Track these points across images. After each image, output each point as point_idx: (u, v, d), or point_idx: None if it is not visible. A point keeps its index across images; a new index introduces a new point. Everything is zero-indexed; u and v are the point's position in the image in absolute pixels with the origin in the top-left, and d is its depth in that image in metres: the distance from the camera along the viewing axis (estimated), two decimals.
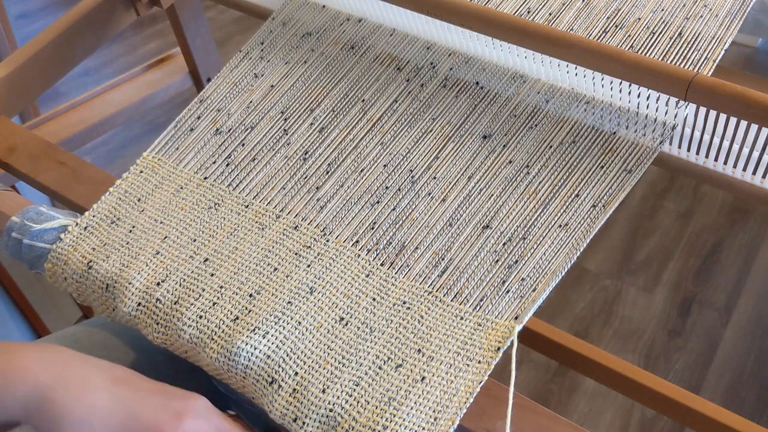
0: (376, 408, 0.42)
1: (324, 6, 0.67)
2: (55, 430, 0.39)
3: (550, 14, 0.58)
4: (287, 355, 0.45)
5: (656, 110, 0.54)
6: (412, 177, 0.54)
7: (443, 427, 0.41)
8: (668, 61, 0.54)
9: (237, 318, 0.47)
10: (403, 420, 0.42)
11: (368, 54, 0.63)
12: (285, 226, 0.53)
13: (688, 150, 0.57)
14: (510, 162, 0.54)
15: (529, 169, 0.53)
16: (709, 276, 1.31)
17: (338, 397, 0.43)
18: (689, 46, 0.54)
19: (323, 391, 0.43)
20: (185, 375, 0.61)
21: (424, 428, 0.41)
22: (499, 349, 0.44)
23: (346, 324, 0.46)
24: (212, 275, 0.50)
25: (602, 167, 0.53)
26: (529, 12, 0.58)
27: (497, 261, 0.48)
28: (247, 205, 0.54)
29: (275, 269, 0.50)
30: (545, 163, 0.54)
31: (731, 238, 1.37)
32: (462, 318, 0.46)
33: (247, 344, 0.45)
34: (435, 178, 0.54)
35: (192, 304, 0.48)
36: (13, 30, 1.52)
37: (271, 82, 0.62)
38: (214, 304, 0.48)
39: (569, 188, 0.52)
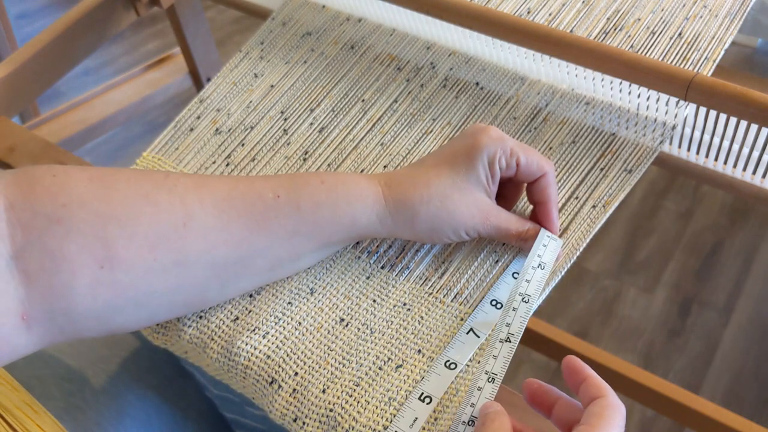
0: (377, 408, 0.42)
1: (324, 6, 0.67)
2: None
3: (550, 14, 0.58)
4: (287, 356, 0.45)
5: (656, 110, 0.54)
6: None
7: (443, 427, 0.41)
8: (668, 61, 0.54)
9: (237, 318, 0.47)
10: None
11: (368, 54, 0.63)
12: None
13: (688, 150, 0.57)
14: None
15: None
16: (709, 276, 1.31)
17: (338, 397, 0.43)
18: (689, 46, 0.54)
19: (323, 391, 0.43)
20: (186, 376, 0.61)
21: (424, 428, 0.41)
22: None
23: (347, 325, 0.46)
24: None
25: (602, 167, 0.53)
26: (529, 12, 0.59)
27: (497, 261, 0.48)
28: None
29: None
30: None
31: (731, 238, 1.37)
32: (462, 319, 0.46)
33: (247, 344, 0.45)
34: None
35: None
36: (13, 30, 1.52)
37: (271, 82, 0.62)
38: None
39: (569, 188, 0.52)
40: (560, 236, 0.49)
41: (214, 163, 0.57)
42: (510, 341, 0.42)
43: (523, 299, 0.44)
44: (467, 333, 0.45)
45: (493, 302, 0.46)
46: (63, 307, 0.38)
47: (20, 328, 0.38)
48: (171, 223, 0.41)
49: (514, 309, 0.44)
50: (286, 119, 0.60)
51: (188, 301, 0.44)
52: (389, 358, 0.45)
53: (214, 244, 0.42)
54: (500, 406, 0.38)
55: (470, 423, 0.39)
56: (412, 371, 0.44)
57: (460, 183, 0.45)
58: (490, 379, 0.41)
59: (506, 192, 0.49)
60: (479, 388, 0.40)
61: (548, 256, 0.47)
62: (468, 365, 0.43)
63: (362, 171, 0.55)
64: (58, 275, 0.38)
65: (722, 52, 0.54)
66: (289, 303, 0.47)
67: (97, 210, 0.39)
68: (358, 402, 0.43)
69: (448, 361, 0.43)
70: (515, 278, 0.47)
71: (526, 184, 0.49)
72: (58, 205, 0.39)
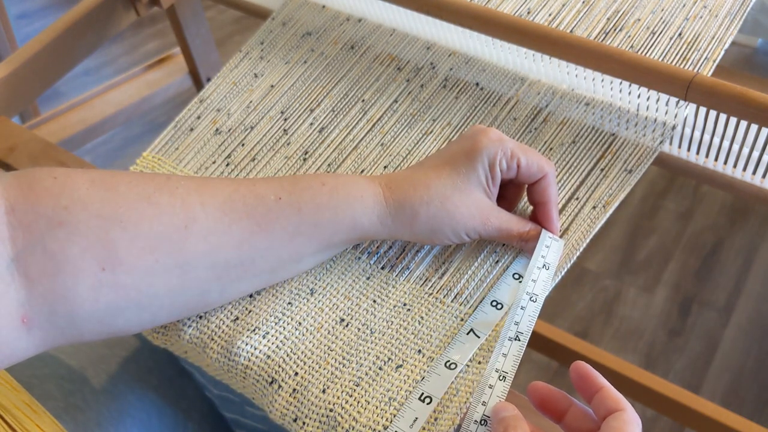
0: (377, 408, 0.42)
1: (324, 6, 0.67)
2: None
3: (550, 15, 0.58)
4: (287, 356, 0.45)
5: (656, 110, 0.54)
6: None
7: (443, 427, 0.41)
8: (668, 61, 0.54)
9: (237, 318, 0.47)
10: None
11: (368, 54, 0.63)
12: None
13: (688, 150, 0.57)
14: None
15: None
16: (709, 276, 1.31)
17: (338, 397, 0.43)
18: (689, 46, 0.54)
19: (323, 391, 0.43)
20: (187, 376, 0.61)
21: (424, 428, 0.41)
22: None
23: (347, 325, 0.46)
24: None
25: (602, 167, 0.53)
26: (529, 12, 0.58)
27: (497, 262, 0.48)
28: None
29: None
30: None
31: (731, 238, 1.37)
32: (462, 319, 0.46)
33: (247, 344, 0.45)
34: None
35: None
36: (13, 30, 1.52)
37: (271, 82, 0.62)
38: None
39: (569, 188, 0.52)
40: (561, 236, 0.49)
41: (214, 163, 0.57)
42: (519, 339, 0.42)
43: (531, 298, 0.45)
44: (467, 333, 0.45)
45: (494, 303, 0.46)
46: (64, 309, 0.39)
47: (20, 331, 0.38)
48: (172, 225, 0.41)
49: (522, 308, 0.44)
50: (286, 119, 0.60)
51: (190, 303, 0.44)
52: (389, 358, 0.45)
53: (216, 246, 0.42)
54: (516, 410, 0.38)
55: (482, 422, 0.39)
56: (412, 371, 0.44)
57: (461, 184, 0.45)
58: (501, 377, 0.41)
59: (507, 193, 0.50)
60: (490, 386, 0.41)
61: (552, 257, 0.47)
62: (468, 365, 0.43)
63: (362, 171, 0.55)
64: (59, 277, 0.38)
65: (722, 52, 0.54)
66: (290, 303, 0.47)
67: (99, 212, 0.39)
68: (358, 402, 0.43)
69: (449, 361, 0.43)
70: (515, 279, 0.47)
71: (526, 185, 0.49)
72: (59, 207, 0.39)
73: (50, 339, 0.39)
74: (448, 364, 0.43)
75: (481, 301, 0.47)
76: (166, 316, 0.44)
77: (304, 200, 0.44)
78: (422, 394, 0.42)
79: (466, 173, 0.45)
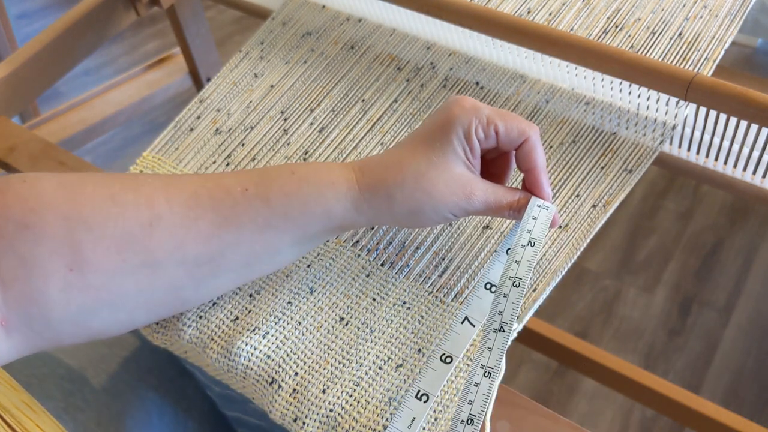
0: (377, 408, 0.42)
1: (324, 6, 0.67)
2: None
3: (550, 14, 0.58)
4: (287, 355, 0.45)
5: (656, 110, 0.54)
6: None
7: (443, 427, 0.41)
8: (668, 61, 0.54)
9: (237, 318, 0.47)
10: None
11: (368, 54, 0.63)
12: None
13: (688, 150, 0.57)
14: None
15: None
16: (709, 276, 1.31)
17: (338, 397, 0.43)
18: (689, 46, 0.54)
19: (323, 391, 0.43)
20: (187, 375, 0.61)
21: (424, 428, 0.41)
22: None
23: (347, 324, 0.46)
24: None
25: (602, 167, 0.53)
26: (529, 12, 0.59)
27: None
28: None
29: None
30: None
31: (731, 238, 1.37)
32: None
33: (247, 344, 0.45)
34: None
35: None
36: (13, 30, 1.52)
37: (271, 82, 0.62)
38: (213, 304, 0.48)
39: (569, 188, 0.52)
40: (560, 235, 0.49)
41: (214, 163, 0.57)
42: (503, 330, 0.40)
43: (513, 283, 0.42)
44: (462, 323, 0.43)
45: (488, 285, 0.44)
46: (38, 312, 0.38)
47: (0, 333, 0.38)
48: (137, 223, 0.40)
49: (505, 295, 0.41)
50: (286, 119, 0.60)
51: (165, 302, 0.43)
52: (389, 358, 0.45)
53: (182, 242, 0.41)
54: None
55: (469, 422, 0.39)
56: (412, 371, 0.44)
57: (436, 160, 0.43)
58: (486, 374, 0.40)
59: (495, 168, 0.47)
60: (476, 384, 0.40)
61: (538, 231, 0.44)
62: (468, 364, 0.43)
63: None
64: (30, 281, 0.38)
65: (722, 52, 0.54)
66: (289, 302, 0.47)
67: (65, 214, 0.39)
68: (358, 402, 0.43)
69: (444, 354, 0.42)
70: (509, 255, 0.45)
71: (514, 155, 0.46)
72: (26, 210, 0.38)
73: (30, 343, 0.39)
74: (443, 358, 0.42)
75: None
76: (143, 315, 0.43)
77: (273, 190, 0.42)
78: (418, 391, 0.42)
79: (441, 148, 0.43)
